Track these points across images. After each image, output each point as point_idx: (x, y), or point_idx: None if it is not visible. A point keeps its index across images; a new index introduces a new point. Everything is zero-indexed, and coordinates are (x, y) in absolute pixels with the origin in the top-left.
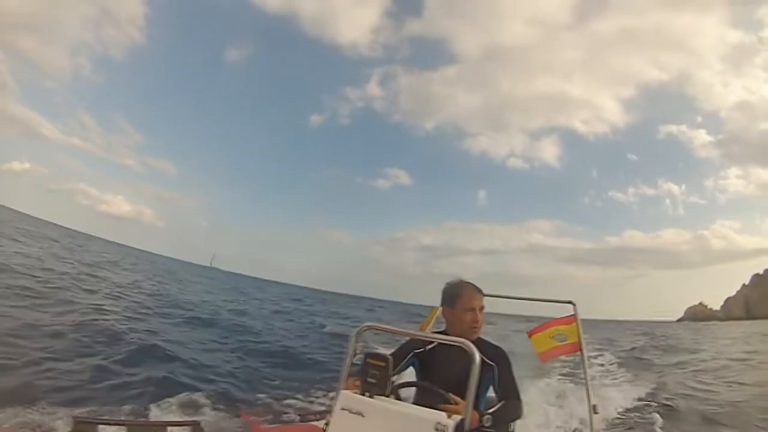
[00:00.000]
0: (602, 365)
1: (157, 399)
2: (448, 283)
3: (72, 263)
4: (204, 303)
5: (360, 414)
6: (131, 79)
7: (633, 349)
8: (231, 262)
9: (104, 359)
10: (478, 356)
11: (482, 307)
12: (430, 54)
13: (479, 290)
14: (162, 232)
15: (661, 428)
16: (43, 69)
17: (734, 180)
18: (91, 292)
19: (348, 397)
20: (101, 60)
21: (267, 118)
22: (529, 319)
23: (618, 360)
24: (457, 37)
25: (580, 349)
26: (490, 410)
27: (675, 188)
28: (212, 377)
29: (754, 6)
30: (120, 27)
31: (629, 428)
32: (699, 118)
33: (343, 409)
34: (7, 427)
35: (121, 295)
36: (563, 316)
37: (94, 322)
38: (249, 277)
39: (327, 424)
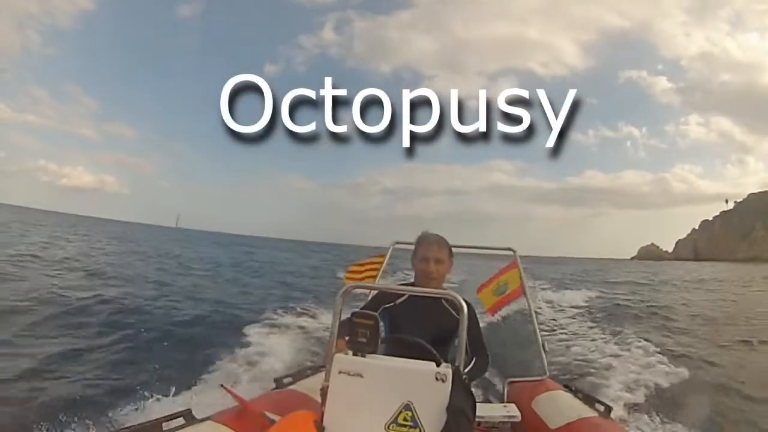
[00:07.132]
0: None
1: None
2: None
3: None
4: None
5: (359, 375)
6: (81, 47)
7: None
8: (197, 221)
9: None
10: (466, 308)
11: (438, 259)
12: None
13: (439, 242)
14: (126, 198)
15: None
16: None
17: (695, 127)
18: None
19: (343, 359)
20: (50, 32)
21: (222, 72)
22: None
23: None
24: None
25: (524, 294)
26: (465, 371)
27: (635, 131)
28: None
29: None
30: None
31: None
32: (660, 66)
33: (341, 372)
34: None
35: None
36: (506, 264)
37: None
38: (214, 233)
39: (323, 389)
